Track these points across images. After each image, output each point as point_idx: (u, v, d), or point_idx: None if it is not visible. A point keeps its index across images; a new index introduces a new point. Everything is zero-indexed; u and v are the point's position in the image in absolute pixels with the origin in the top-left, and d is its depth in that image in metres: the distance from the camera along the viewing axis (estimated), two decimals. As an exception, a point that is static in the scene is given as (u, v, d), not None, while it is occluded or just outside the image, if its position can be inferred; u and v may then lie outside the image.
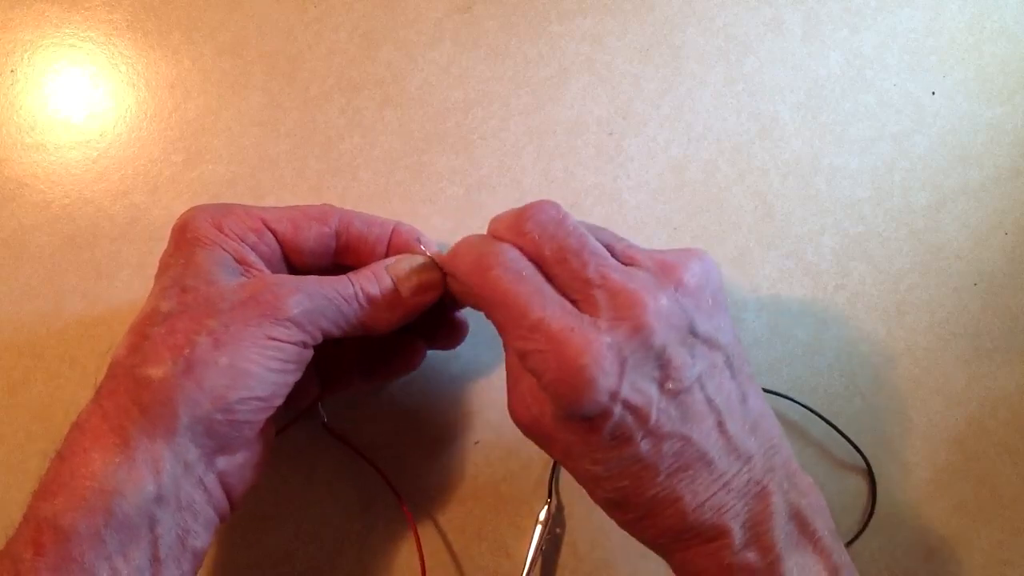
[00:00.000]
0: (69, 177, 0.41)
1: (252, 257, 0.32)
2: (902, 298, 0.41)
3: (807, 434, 0.40)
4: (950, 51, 0.43)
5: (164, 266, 0.32)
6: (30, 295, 0.40)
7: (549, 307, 0.28)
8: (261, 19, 0.42)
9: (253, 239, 0.32)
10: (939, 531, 0.39)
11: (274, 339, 0.29)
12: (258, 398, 0.29)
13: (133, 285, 0.40)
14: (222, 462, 0.30)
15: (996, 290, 0.41)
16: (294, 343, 0.30)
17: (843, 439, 0.39)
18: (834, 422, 0.39)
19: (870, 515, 0.39)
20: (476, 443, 0.40)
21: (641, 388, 0.28)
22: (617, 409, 0.28)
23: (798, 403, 0.40)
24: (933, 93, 0.43)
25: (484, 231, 0.33)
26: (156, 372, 0.28)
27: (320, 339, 0.31)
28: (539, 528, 0.37)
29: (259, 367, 0.29)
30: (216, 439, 0.29)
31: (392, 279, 0.32)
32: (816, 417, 0.40)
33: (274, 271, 0.33)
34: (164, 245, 0.40)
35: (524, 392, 0.30)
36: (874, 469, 0.39)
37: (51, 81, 0.42)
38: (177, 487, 0.28)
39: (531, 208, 0.31)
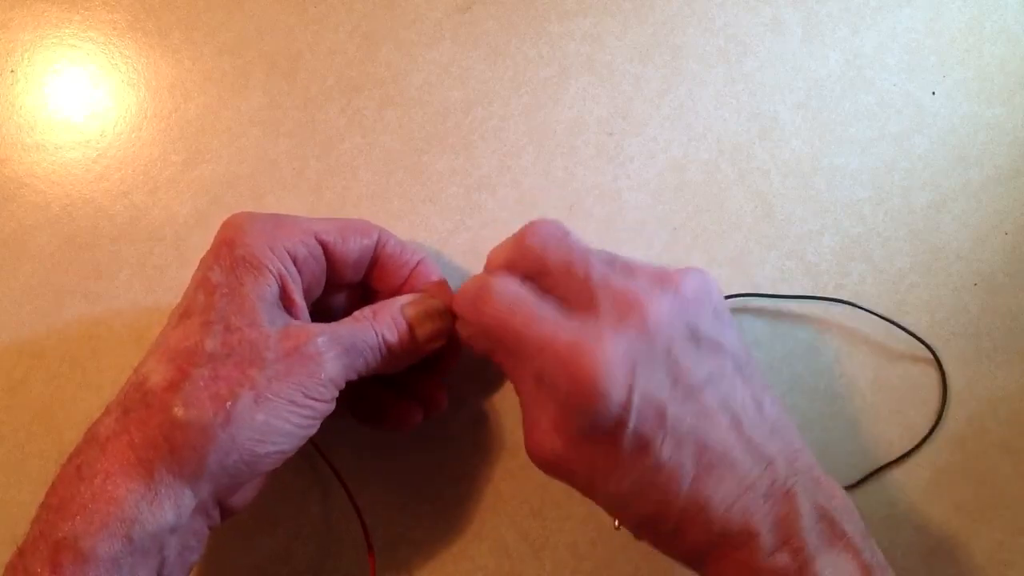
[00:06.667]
0: (69, 177, 0.41)
1: (294, 285, 0.32)
2: (902, 298, 0.41)
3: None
4: (950, 51, 0.43)
5: (205, 280, 0.31)
6: (30, 295, 0.40)
7: (549, 326, 0.30)
8: (261, 19, 0.42)
9: (304, 253, 0.32)
10: (939, 531, 0.39)
11: (311, 398, 0.30)
12: (283, 452, 0.30)
13: (133, 285, 0.40)
14: (228, 495, 0.31)
15: (996, 290, 0.41)
16: (327, 401, 0.31)
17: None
18: (833, 423, 0.39)
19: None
20: (477, 447, 0.40)
21: (654, 386, 0.29)
22: (634, 410, 0.29)
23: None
24: (933, 93, 0.43)
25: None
26: (194, 418, 0.28)
27: (343, 388, 0.32)
28: None
29: (291, 425, 0.30)
30: (233, 482, 0.30)
31: (408, 324, 0.33)
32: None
33: (316, 287, 0.34)
34: (164, 245, 0.41)
35: (543, 430, 0.31)
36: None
37: (51, 81, 0.42)
38: (190, 518, 0.29)
39: (534, 224, 0.33)
